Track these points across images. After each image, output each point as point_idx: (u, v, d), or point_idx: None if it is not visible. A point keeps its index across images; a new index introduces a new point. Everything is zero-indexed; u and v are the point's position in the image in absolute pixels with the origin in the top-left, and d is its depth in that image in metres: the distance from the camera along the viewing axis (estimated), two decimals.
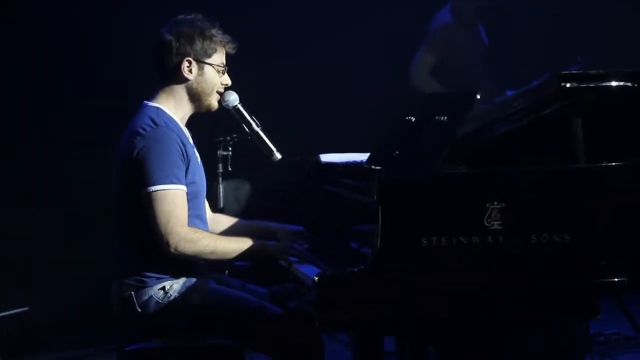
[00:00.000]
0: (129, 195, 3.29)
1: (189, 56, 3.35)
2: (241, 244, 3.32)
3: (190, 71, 3.36)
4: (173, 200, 3.21)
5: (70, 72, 5.88)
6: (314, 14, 6.37)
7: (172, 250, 3.20)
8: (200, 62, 3.37)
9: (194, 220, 3.31)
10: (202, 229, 3.34)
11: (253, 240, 3.35)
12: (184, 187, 3.26)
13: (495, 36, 6.21)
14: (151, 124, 3.29)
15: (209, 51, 3.38)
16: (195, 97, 3.40)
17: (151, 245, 3.24)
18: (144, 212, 3.22)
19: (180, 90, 3.39)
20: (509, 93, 5.52)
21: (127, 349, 3.26)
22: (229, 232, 3.57)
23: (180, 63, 3.35)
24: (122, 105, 4.39)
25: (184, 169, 3.28)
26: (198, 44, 3.36)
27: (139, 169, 3.23)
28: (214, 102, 3.44)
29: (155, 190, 3.20)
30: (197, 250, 3.24)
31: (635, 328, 4.13)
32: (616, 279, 2.93)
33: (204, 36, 3.37)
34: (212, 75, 3.40)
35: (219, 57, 3.41)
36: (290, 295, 3.47)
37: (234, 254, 3.31)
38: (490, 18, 6.16)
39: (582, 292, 2.91)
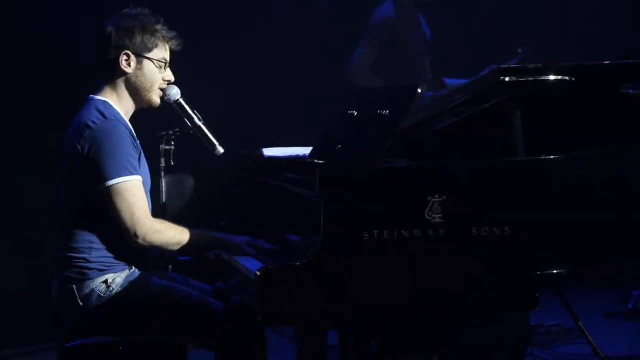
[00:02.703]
0: (78, 188, 3.27)
1: (128, 49, 3.33)
2: (205, 237, 3.35)
3: (129, 65, 3.34)
4: (133, 191, 3.20)
5: (12, 62, 5.81)
6: (259, 8, 6.36)
7: (140, 241, 3.19)
8: (139, 56, 3.34)
9: None
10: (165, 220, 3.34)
11: (215, 234, 3.39)
12: (141, 177, 3.25)
13: (439, 29, 6.24)
14: (100, 117, 3.27)
15: (149, 45, 3.35)
16: (134, 91, 3.38)
17: (94, 237, 3.24)
18: (97, 205, 3.20)
19: (121, 85, 3.37)
20: (448, 81, 5.55)
21: (67, 345, 3.22)
22: None
23: (119, 56, 3.33)
24: (65, 99, 4.35)
25: (137, 158, 3.27)
26: (138, 38, 3.33)
27: (93, 163, 3.20)
28: (154, 97, 3.41)
29: (114, 184, 3.18)
30: (164, 241, 3.24)
31: (574, 319, 4.20)
32: (555, 271, 2.97)
33: (145, 30, 3.34)
34: (151, 70, 3.37)
35: (160, 53, 3.39)
36: (233, 291, 3.46)
37: (198, 246, 3.34)
38: (433, 10, 6.18)
39: (521, 283, 2.94)
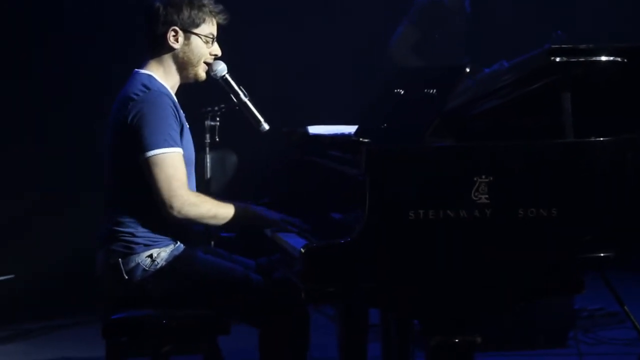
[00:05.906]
0: (122, 160, 3.29)
1: (176, 25, 3.33)
2: (241, 211, 3.32)
3: (177, 40, 3.35)
4: (173, 163, 3.21)
5: (56, 39, 5.85)
6: None
7: (175, 213, 3.19)
8: (186, 31, 3.35)
9: None
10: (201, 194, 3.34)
11: (253, 208, 3.38)
12: (181, 150, 3.26)
13: (477, 13, 6.16)
14: (144, 89, 3.28)
15: (197, 21, 3.35)
16: (181, 66, 3.39)
17: (140, 211, 3.25)
18: (142, 178, 3.21)
19: (167, 59, 3.38)
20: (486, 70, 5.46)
21: (112, 317, 3.25)
22: None
23: (167, 32, 3.33)
24: (108, 76, 4.38)
25: (179, 131, 3.28)
26: (185, 13, 3.33)
27: (135, 134, 3.22)
28: (200, 72, 3.42)
29: (154, 155, 3.19)
30: (200, 214, 3.24)
31: (619, 303, 4.15)
32: (602, 254, 2.94)
33: (192, 5, 3.35)
34: (198, 45, 3.37)
35: (207, 27, 3.39)
36: (276, 266, 3.47)
37: (234, 220, 3.31)
38: None
39: (568, 266, 2.92)
